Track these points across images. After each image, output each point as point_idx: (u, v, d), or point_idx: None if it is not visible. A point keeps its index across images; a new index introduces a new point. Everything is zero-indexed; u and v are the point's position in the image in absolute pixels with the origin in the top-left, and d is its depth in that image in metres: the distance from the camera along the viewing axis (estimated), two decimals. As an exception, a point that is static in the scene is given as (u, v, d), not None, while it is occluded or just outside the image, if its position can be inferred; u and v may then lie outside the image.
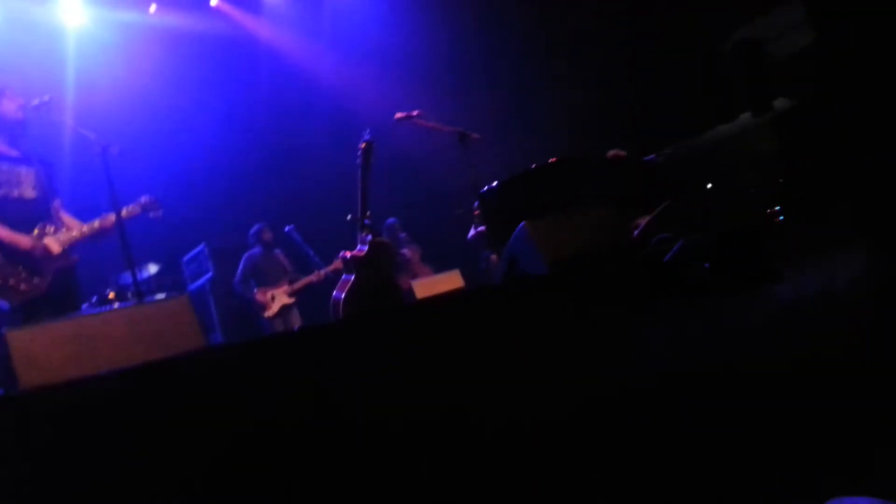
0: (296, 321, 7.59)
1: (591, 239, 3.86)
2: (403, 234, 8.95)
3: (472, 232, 7.97)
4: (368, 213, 5.64)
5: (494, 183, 5.00)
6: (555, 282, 3.16)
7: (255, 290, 7.72)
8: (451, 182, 8.60)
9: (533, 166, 4.93)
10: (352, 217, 5.70)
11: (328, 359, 2.18)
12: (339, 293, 5.49)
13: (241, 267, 7.84)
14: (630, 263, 3.56)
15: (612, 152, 6.29)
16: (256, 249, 7.96)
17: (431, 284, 6.69)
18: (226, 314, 8.24)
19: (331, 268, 7.56)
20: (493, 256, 7.25)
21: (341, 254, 5.71)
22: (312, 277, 7.68)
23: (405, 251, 8.65)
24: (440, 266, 8.17)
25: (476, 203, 6.71)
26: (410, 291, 6.60)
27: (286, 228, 7.92)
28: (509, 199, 4.97)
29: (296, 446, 1.89)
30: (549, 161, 5.10)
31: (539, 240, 3.75)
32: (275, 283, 7.81)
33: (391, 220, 8.88)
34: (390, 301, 5.34)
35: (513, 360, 2.45)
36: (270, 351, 2.12)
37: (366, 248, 5.60)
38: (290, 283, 7.75)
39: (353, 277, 5.53)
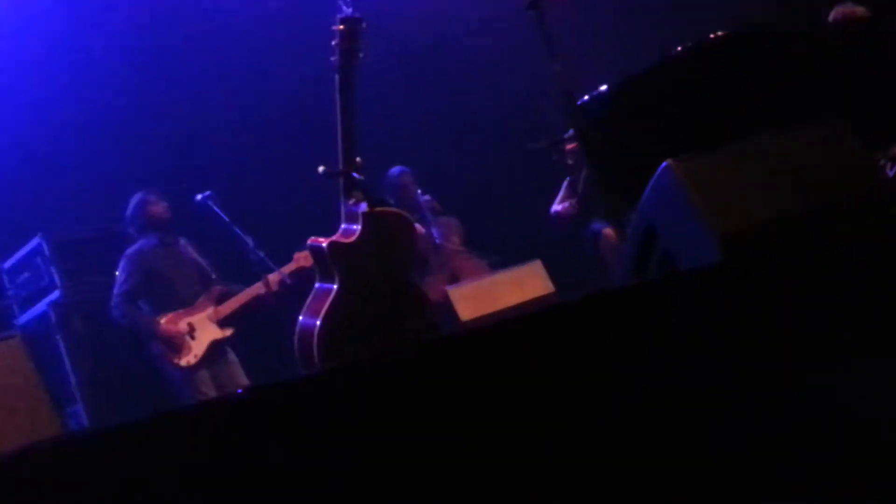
0: (235, 376, 6.59)
1: (807, 188, 3.23)
2: (426, 198, 7.62)
3: (559, 202, 7.03)
4: (359, 161, 4.78)
5: (604, 87, 4.54)
6: (743, 280, 2.71)
7: (154, 319, 6.53)
8: (513, 93, 7.96)
9: (679, 49, 4.44)
10: (326, 170, 4.80)
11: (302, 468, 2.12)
12: (312, 317, 4.67)
13: (120, 276, 6.70)
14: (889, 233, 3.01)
15: (839, 10, 5.41)
16: (145, 241, 6.78)
17: (490, 291, 5.84)
18: (93, 367, 6.96)
19: (290, 268, 6.48)
20: (607, 231, 6.52)
21: (310, 242, 4.89)
22: (256, 290, 6.58)
23: (434, 230, 7.47)
24: (500, 254, 7.24)
25: (569, 130, 6.15)
26: (447, 305, 5.80)
27: (197, 197, 6.74)
28: (637, 116, 4.37)
29: None
30: (712, 36, 4.46)
31: (702, 196, 3.18)
32: (188, 301, 6.63)
33: (398, 169, 7.63)
34: (411, 330, 4.57)
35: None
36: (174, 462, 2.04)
37: (357, 227, 4.76)
38: (217, 299, 6.63)
39: (335, 286, 4.68)
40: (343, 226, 4.82)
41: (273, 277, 6.37)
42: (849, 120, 3.58)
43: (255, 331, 6.66)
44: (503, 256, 7.06)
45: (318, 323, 4.58)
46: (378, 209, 4.76)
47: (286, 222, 6.96)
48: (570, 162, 6.59)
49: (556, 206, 6.92)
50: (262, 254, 6.40)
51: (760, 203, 3.25)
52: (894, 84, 4.79)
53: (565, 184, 6.85)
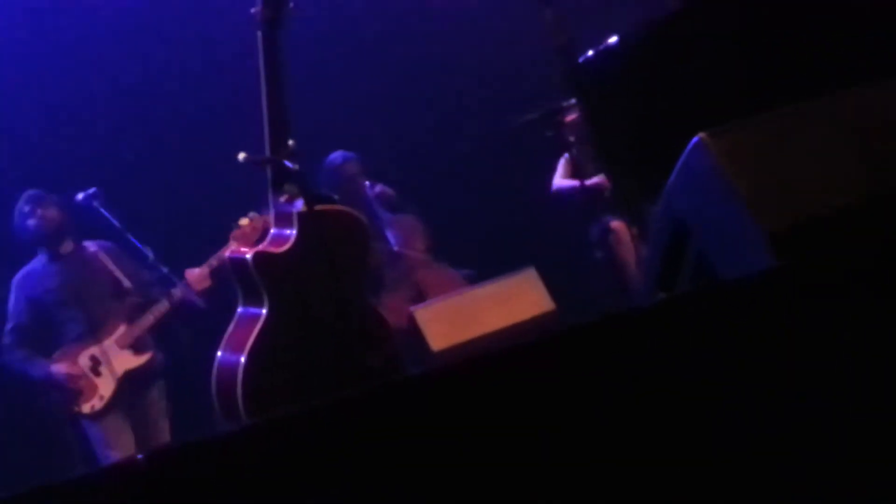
0: (152, 422, 6.61)
1: (886, 165, 3.23)
2: (379, 189, 7.75)
3: (558, 178, 7.15)
4: (292, 145, 4.81)
5: (614, 38, 4.54)
6: (804, 290, 2.73)
7: (44, 361, 6.53)
8: (492, 51, 8.00)
9: None
10: (248, 158, 4.87)
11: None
12: (234, 353, 4.69)
13: (9, 309, 6.79)
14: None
15: None
16: (35, 260, 6.83)
17: (469, 312, 5.99)
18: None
19: (199, 279, 6.48)
20: (616, 224, 6.73)
21: (229, 254, 5.19)
22: (160, 309, 6.59)
23: (389, 232, 7.52)
24: (479, 262, 7.33)
25: (568, 97, 6.32)
26: (413, 331, 5.93)
27: (78, 196, 6.78)
28: (658, 76, 4.35)
29: None
30: None
31: (746, 180, 3.19)
32: (96, 327, 6.61)
33: (340, 155, 7.61)
34: (366, 368, 4.53)
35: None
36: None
37: (290, 232, 4.81)
38: (130, 316, 6.64)
39: (263, 311, 4.72)
40: (272, 231, 4.84)
41: (195, 274, 6.36)
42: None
43: (188, 349, 6.62)
44: (481, 268, 7.07)
45: (243, 360, 4.59)
46: (318, 207, 4.75)
47: (199, 228, 6.91)
48: (570, 139, 6.67)
49: (559, 182, 7.00)
50: (164, 269, 6.37)
51: (824, 187, 3.20)
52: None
53: (562, 161, 6.91)
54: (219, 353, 4.73)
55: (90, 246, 6.71)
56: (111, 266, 6.69)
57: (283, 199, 4.79)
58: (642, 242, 6.05)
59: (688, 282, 3.47)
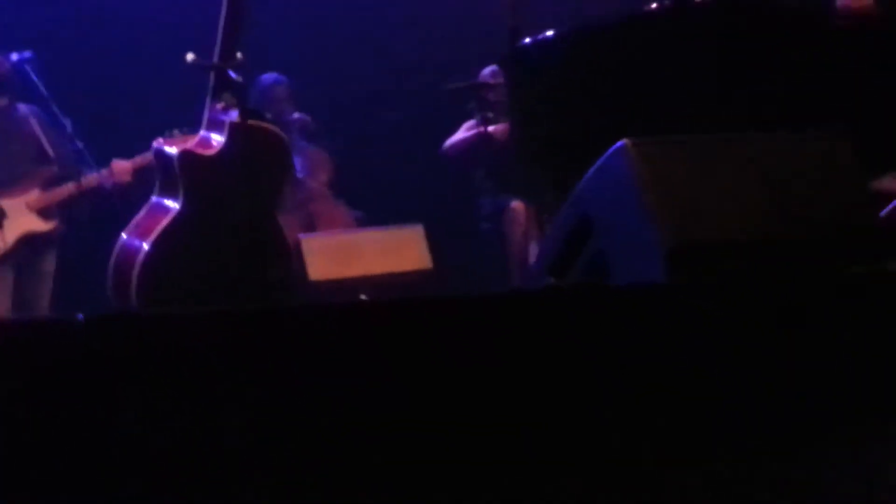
0: (39, 295, 6.59)
1: (788, 210, 3.45)
2: (299, 116, 7.67)
3: (460, 133, 7.21)
4: (240, 58, 4.86)
5: (550, 32, 4.74)
6: (689, 307, 2.79)
7: None
8: (442, 17, 8.05)
9: (656, 5, 4.71)
10: (195, 60, 4.91)
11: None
12: (138, 238, 4.79)
13: None
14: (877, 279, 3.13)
15: None
16: None
17: (352, 251, 6.16)
18: None
19: (147, 159, 6.18)
20: (517, 205, 6.80)
21: (155, 144, 5.15)
22: (96, 179, 6.46)
23: (297, 158, 7.39)
24: (375, 210, 7.38)
25: (494, 71, 6.50)
26: (296, 256, 5.87)
27: (12, 56, 6.59)
28: (589, 78, 4.57)
29: None
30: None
31: (658, 194, 3.33)
32: (6, 183, 6.61)
33: (271, 77, 7.64)
34: (263, 282, 4.66)
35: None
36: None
37: (220, 139, 4.86)
38: (45, 183, 6.59)
39: (177, 206, 4.80)
40: (202, 133, 4.85)
41: (121, 165, 6.31)
42: (846, 130, 3.66)
43: (90, 237, 6.54)
44: (374, 215, 7.07)
45: (145, 248, 4.59)
46: (251, 122, 4.78)
47: (132, 114, 6.91)
48: (489, 115, 6.67)
49: (452, 139, 6.96)
50: (80, 144, 6.30)
51: (728, 216, 3.32)
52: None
53: (465, 125, 6.89)
54: (123, 235, 4.72)
55: (23, 108, 6.64)
56: (38, 132, 6.63)
57: (219, 106, 4.80)
58: (542, 227, 6.14)
59: (579, 274, 3.51)
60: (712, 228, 3.27)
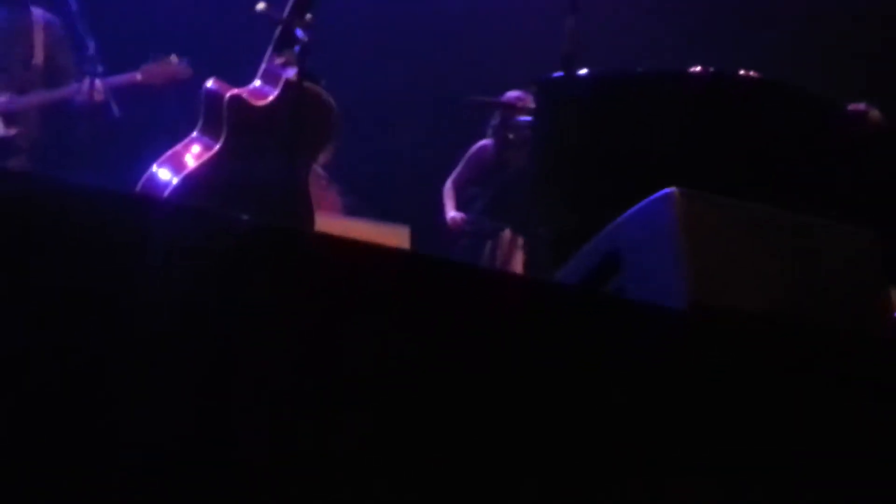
0: None
1: (811, 294, 3.49)
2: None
3: (452, 184, 7.23)
4: (309, 18, 4.82)
5: (584, 70, 4.78)
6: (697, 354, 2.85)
7: None
8: (497, 32, 8.03)
9: (697, 69, 4.72)
10: (265, 11, 4.87)
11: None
12: (172, 170, 4.75)
13: None
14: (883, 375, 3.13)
15: (853, 107, 5.76)
16: None
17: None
18: None
19: (126, 80, 6.13)
20: (505, 234, 6.78)
21: (208, 85, 4.97)
22: (69, 92, 6.19)
23: None
24: (371, 204, 7.33)
25: (519, 95, 6.44)
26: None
27: None
28: (620, 121, 4.64)
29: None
30: (740, 74, 4.84)
31: (695, 251, 3.33)
32: None
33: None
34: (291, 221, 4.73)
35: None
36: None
37: (273, 92, 4.90)
38: (20, 88, 6.36)
39: (216, 146, 4.79)
40: (257, 83, 4.85)
41: (98, 84, 5.99)
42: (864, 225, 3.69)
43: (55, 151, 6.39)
44: (367, 209, 6.97)
45: (177, 182, 4.56)
46: (307, 84, 4.76)
47: (176, 47, 6.60)
48: (509, 136, 6.62)
49: (452, 212, 6.89)
50: (100, 68, 5.98)
51: (755, 285, 3.33)
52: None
53: (468, 156, 6.88)
54: (154, 166, 4.70)
55: (37, 13, 6.40)
56: (38, 38, 6.42)
57: (279, 60, 4.82)
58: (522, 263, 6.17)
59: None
60: (738, 293, 3.27)
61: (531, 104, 6.36)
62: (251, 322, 2.12)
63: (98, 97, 5.98)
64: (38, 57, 6.30)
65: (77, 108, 6.07)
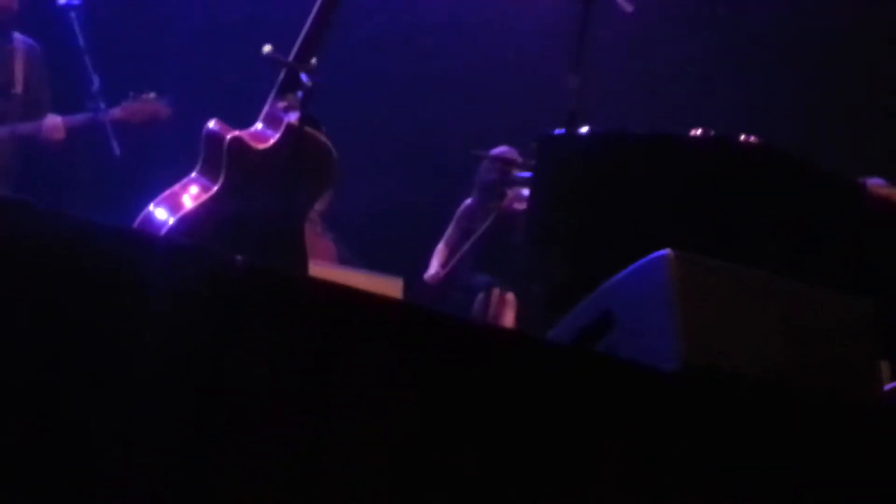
0: None
1: (806, 361, 3.40)
2: None
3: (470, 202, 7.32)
4: (314, 63, 4.85)
5: (586, 129, 4.71)
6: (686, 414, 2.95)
7: None
8: (503, 89, 8.06)
9: (698, 132, 4.61)
10: (272, 54, 4.89)
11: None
12: (168, 210, 4.74)
13: None
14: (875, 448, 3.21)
15: (872, 185, 5.71)
16: None
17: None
18: None
19: (54, 127, 6.02)
20: (496, 291, 6.83)
21: (210, 126, 4.91)
22: (32, 129, 6.13)
23: None
24: (367, 255, 7.40)
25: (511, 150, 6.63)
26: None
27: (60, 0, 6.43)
28: (618, 181, 4.58)
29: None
30: (742, 140, 4.61)
31: (689, 312, 3.28)
32: None
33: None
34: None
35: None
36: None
37: (274, 136, 4.87)
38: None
39: (215, 188, 4.80)
40: (258, 126, 4.82)
41: (53, 121, 5.92)
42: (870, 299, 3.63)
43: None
44: (361, 258, 7.04)
45: (173, 222, 4.52)
46: (308, 129, 4.72)
47: (181, 86, 6.76)
48: (507, 192, 6.67)
49: (433, 269, 6.96)
50: (103, 105, 5.96)
51: (746, 350, 3.27)
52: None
53: (458, 215, 6.95)
54: (151, 205, 4.66)
55: (18, 40, 6.31)
56: (18, 66, 6.33)
57: (281, 104, 4.80)
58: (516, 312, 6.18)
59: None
60: (729, 357, 3.21)
61: (519, 158, 6.44)
62: (243, 361, 2.09)
63: (58, 136, 5.91)
64: (18, 87, 6.20)
65: (40, 146, 6.00)
